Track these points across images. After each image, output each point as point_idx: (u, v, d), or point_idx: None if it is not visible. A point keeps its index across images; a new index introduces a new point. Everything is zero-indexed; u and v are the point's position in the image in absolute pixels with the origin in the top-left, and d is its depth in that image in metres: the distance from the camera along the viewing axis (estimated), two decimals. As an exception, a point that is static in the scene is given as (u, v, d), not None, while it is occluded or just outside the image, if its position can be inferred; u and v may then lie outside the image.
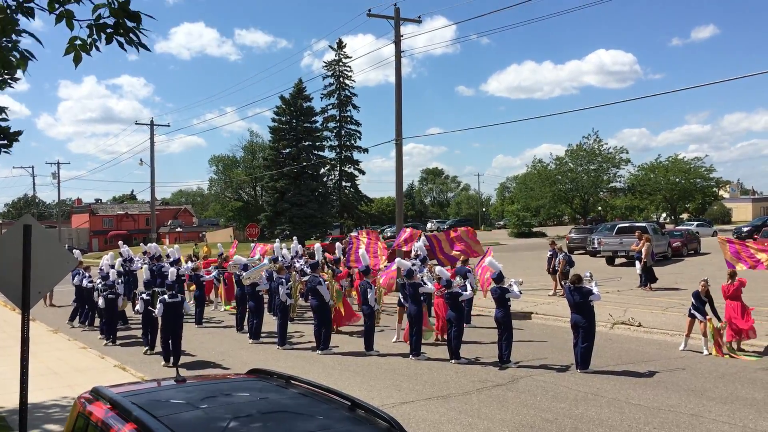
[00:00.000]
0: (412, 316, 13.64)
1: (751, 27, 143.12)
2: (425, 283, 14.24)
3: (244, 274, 17.01)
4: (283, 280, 15.66)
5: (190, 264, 21.17)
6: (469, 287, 13.99)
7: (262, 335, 16.25)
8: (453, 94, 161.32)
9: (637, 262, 22.66)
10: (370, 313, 14.27)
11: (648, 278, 22.25)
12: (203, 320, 19.20)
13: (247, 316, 17.11)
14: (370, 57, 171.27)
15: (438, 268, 14.32)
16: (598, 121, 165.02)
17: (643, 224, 35.22)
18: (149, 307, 14.82)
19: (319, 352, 14.32)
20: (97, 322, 18.96)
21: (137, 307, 15.94)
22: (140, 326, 15.84)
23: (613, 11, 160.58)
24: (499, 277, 12.91)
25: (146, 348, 15.23)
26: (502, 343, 12.64)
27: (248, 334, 16.42)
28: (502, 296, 12.67)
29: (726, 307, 13.42)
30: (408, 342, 13.89)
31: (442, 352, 13.73)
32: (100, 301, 17.35)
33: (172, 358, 13.43)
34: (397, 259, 15.72)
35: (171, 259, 21.50)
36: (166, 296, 13.96)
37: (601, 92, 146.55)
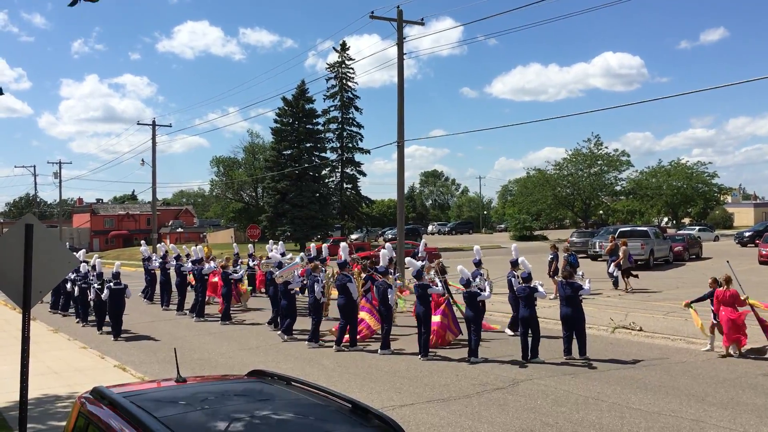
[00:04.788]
0: (420, 317, 13.72)
1: (762, 30, 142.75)
2: (435, 284, 14.41)
3: (277, 272, 17.12)
4: (318, 278, 15.79)
5: (212, 264, 21.40)
6: (488, 289, 14.19)
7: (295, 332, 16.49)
8: (457, 96, 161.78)
9: (612, 264, 23.11)
10: (388, 313, 14.40)
11: (625, 279, 23.13)
12: (230, 318, 19.55)
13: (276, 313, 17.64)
14: (375, 57, 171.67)
15: (459, 267, 14.44)
16: (602, 124, 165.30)
17: (645, 228, 35.31)
18: (98, 291, 18.01)
19: (346, 349, 14.61)
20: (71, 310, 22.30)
21: (91, 296, 19.09)
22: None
23: (621, 13, 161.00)
24: (528, 277, 13.28)
25: (98, 330, 18.35)
26: (528, 340, 13.09)
27: (278, 332, 16.65)
28: (530, 295, 13.09)
29: (720, 312, 13.40)
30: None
31: (445, 352, 13.74)
32: (76, 290, 20.63)
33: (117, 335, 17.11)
34: (408, 259, 15.69)
35: (193, 258, 21.66)
36: (111, 284, 17.23)
37: (608, 95, 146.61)
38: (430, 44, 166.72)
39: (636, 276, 24.03)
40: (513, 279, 15.68)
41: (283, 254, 21.61)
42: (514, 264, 16.08)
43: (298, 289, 17.27)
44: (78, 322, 20.49)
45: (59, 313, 23.04)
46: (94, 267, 20.68)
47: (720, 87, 39.39)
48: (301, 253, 22.09)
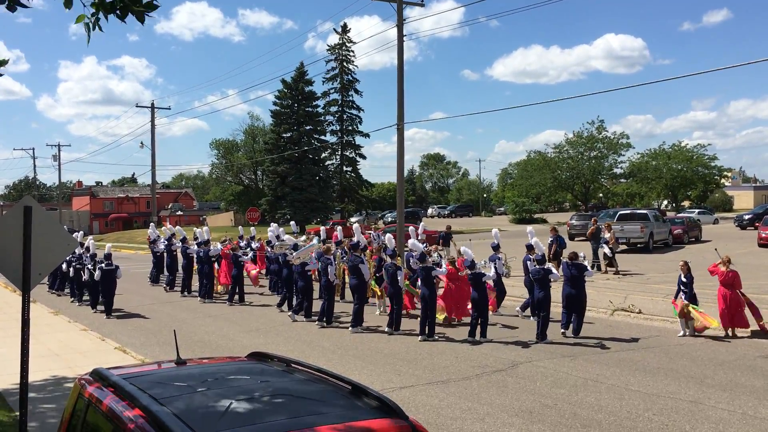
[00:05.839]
0: (426, 299, 13.82)
1: (766, 11, 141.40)
2: (438, 266, 14.53)
3: (294, 254, 17.25)
4: (331, 260, 15.94)
5: (219, 245, 21.43)
6: (492, 270, 14.25)
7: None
8: (458, 79, 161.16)
9: (605, 246, 23.12)
10: (398, 294, 14.56)
11: (612, 262, 23.22)
12: (244, 299, 19.85)
13: (284, 295, 18.08)
14: (375, 39, 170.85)
15: (463, 248, 14.58)
16: (603, 107, 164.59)
17: (644, 211, 35.25)
18: (92, 272, 18.89)
19: (361, 330, 14.85)
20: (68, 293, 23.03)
21: (85, 276, 19.86)
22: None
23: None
24: (542, 259, 13.66)
25: (93, 308, 19.27)
26: (539, 321, 13.39)
27: (289, 313, 16.92)
28: (545, 277, 13.41)
29: (719, 292, 13.44)
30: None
31: (445, 333, 13.79)
32: (71, 271, 21.50)
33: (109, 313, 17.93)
34: (411, 241, 15.76)
35: (199, 240, 21.71)
36: (103, 264, 18.14)
37: (609, 77, 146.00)
38: (430, 26, 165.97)
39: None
40: (529, 262, 15.63)
41: (278, 237, 21.81)
42: (530, 248, 16.02)
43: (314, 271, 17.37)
44: (73, 302, 21.42)
45: (55, 293, 23.82)
46: (87, 248, 21.06)
47: (721, 69, 38.99)
48: (316, 237, 22.24)
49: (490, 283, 14.92)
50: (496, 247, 16.83)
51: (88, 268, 19.55)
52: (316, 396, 4.03)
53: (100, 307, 18.81)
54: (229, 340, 14.42)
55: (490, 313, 14.47)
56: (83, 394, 4.46)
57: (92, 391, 4.36)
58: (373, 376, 10.89)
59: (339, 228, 21.29)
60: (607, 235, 23.54)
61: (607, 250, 23.23)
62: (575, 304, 13.48)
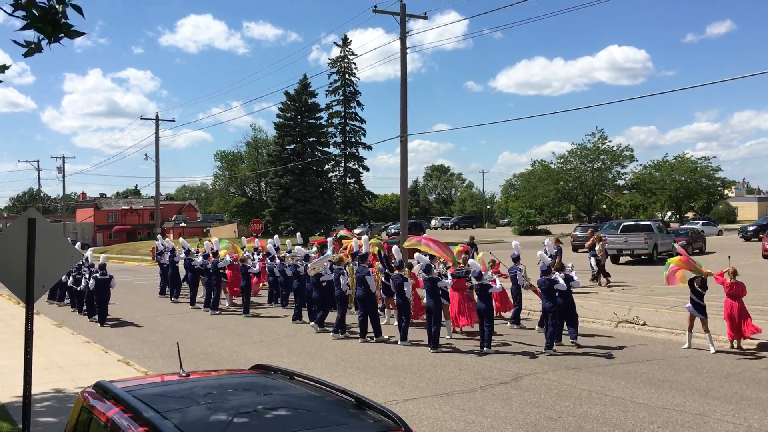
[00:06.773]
0: (431, 310, 13.85)
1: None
2: (445, 277, 14.58)
3: (309, 264, 17.33)
4: (344, 271, 16.01)
5: (228, 257, 21.52)
6: (498, 282, 14.34)
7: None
8: (461, 90, 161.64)
9: (592, 258, 23.38)
10: (405, 305, 14.62)
11: (602, 274, 23.15)
12: (249, 311, 19.70)
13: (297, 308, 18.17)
14: (380, 51, 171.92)
15: (471, 261, 14.69)
16: (607, 118, 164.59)
17: (648, 222, 35.20)
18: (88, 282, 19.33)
19: (371, 340, 14.90)
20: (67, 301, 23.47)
21: (81, 286, 20.59)
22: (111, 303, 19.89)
23: (626, 6, 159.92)
24: (547, 270, 13.68)
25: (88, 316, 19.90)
26: (547, 329, 13.41)
27: (311, 324, 16.89)
28: (550, 287, 13.46)
29: (726, 304, 13.37)
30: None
31: (452, 345, 13.75)
32: (70, 281, 21.84)
33: (101, 322, 18.54)
34: (416, 254, 15.79)
35: (206, 252, 21.90)
36: (97, 274, 18.71)
37: (612, 89, 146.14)
38: (434, 38, 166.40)
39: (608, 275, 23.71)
40: None
41: (277, 248, 21.82)
42: None
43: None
44: (74, 311, 21.79)
45: (56, 303, 24.00)
46: (86, 259, 21.24)
47: (725, 80, 39.20)
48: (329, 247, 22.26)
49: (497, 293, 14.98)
50: (516, 259, 16.78)
51: (86, 278, 20.08)
52: (320, 409, 4.02)
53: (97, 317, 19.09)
54: (232, 352, 14.39)
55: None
56: (86, 407, 4.45)
57: (95, 403, 4.36)
58: (377, 388, 10.85)
59: (354, 240, 21.20)
60: (597, 247, 23.48)
61: (593, 261, 23.30)
62: (566, 313, 13.67)
